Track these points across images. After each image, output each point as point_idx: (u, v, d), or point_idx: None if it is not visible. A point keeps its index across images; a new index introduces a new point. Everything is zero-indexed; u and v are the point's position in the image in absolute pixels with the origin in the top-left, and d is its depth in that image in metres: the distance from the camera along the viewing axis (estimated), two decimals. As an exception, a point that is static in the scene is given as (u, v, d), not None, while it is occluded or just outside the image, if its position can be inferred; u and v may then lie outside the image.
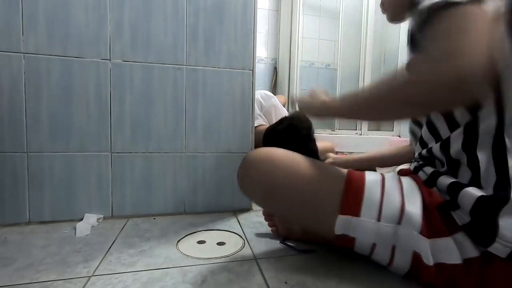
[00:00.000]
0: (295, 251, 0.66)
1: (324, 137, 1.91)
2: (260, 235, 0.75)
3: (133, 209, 0.87)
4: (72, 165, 0.81)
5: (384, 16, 0.67)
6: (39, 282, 0.53)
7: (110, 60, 0.82)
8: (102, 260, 0.61)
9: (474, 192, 0.43)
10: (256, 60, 0.95)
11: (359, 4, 2.42)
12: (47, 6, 0.77)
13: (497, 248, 0.41)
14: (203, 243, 0.70)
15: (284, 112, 1.70)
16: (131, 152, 0.86)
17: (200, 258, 0.62)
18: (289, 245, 0.68)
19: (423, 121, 0.55)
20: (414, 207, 0.48)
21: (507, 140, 0.43)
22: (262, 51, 2.70)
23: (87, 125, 0.82)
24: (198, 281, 0.54)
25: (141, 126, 0.86)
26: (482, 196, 0.43)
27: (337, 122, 2.23)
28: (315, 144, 1.05)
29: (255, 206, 0.96)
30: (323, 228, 0.54)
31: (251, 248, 0.67)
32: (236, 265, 0.60)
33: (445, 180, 0.48)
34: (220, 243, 0.70)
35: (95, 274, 0.55)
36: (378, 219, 0.49)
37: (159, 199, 0.89)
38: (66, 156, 0.81)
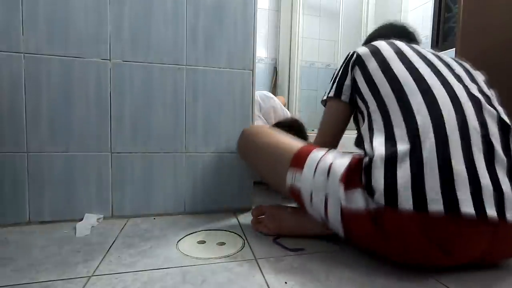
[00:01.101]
0: (285, 249, 0.67)
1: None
2: (260, 235, 0.75)
3: (133, 209, 0.87)
4: (72, 165, 0.81)
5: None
6: (39, 282, 0.53)
7: (110, 60, 0.82)
8: (102, 260, 0.61)
9: (366, 158, 0.56)
10: (256, 60, 0.95)
11: (359, 4, 2.43)
12: (47, 6, 0.77)
13: (377, 198, 0.52)
14: (203, 243, 0.70)
15: (284, 113, 1.70)
16: (131, 152, 0.86)
17: (200, 258, 0.62)
18: (280, 244, 0.69)
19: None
20: (341, 163, 0.60)
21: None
22: (262, 51, 2.70)
23: (87, 125, 0.82)
24: (198, 281, 0.54)
25: (141, 126, 0.86)
26: (366, 160, 0.56)
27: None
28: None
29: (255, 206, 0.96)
30: (281, 181, 0.69)
31: (251, 248, 0.68)
32: (236, 265, 0.60)
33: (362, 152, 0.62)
34: (220, 243, 0.70)
35: (95, 274, 0.55)
36: (314, 174, 0.62)
37: (159, 199, 0.89)
38: (66, 156, 0.81)
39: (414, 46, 0.71)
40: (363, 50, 0.72)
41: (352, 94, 0.73)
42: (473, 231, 0.50)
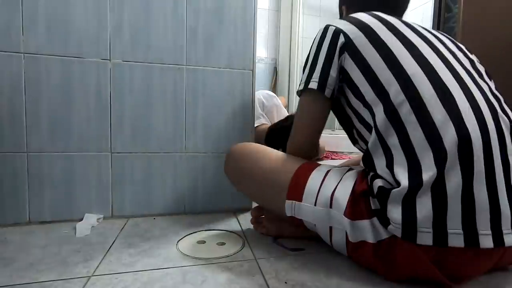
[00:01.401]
0: (286, 249, 0.67)
1: (323, 137, 1.91)
2: (260, 235, 0.75)
3: (133, 209, 0.87)
4: (72, 165, 0.81)
5: None
6: (39, 282, 0.53)
7: (110, 60, 0.82)
8: (102, 260, 0.61)
9: (378, 182, 0.52)
10: (256, 60, 0.95)
11: (359, 4, 2.42)
12: (47, 6, 0.77)
13: (392, 229, 0.49)
14: (203, 243, 0.70)
15: (286, 113, 1.70)
16: (131, 152, 0.86)
17: (200, 258, 0.62)
18: (280, 244, 0.69)
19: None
20: (343, 193, 0.55)
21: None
22: (262, 51, 2.70)
23: (87, 125, 0.82)
24: (198, 281, 0.54)
25: (141, 126, 0.86)
26: (380, 186, 0.51)
27: (336, 122, 2.23)
28: None
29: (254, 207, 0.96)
30: (279, 210, 0.64)
31: (251, 248, 0.68)
32: (236, 265, 0.60)
33: (371, 171, 0.56)
34: (220, 243, 0.70)
35: (95, 274, 0.55)
36: (315, 204, 0.58)
37: (159, 199, 0.89)
38: (66, 156, 0.81)
39: (411, 24, 0.62)
40: (351, 30, 0.59)
41: (334, 86, 0.62)
42: (486, 258, 0.50)
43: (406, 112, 0.51)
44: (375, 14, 0.62)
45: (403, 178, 0.49)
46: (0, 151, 0.77)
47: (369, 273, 0.57)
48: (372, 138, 0.55)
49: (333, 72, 0.61)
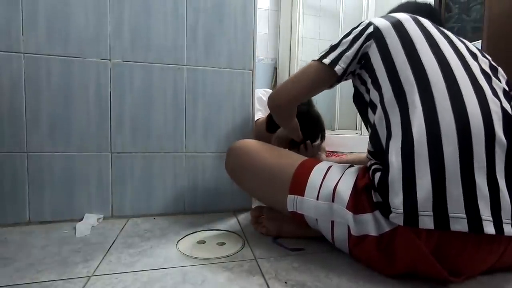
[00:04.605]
0: (286, 249, 0.67)
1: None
2: (260, 235, 0.75)
3: (133, 209, 0.87)
4: (72, 165, 0.81)
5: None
6: (39, 282, 0.53)
7: (110, 60, 0.82)
8: (102, 260, 0.61)
9: (378, 175, 0.53)
10: (256, 60, 0.95)
11: (359, 4, 2.43)
12: (47, 6, 0.77)
13: (394, 217, 0.49)
14: (203, 243, 0.70)
15: None
16: (131, 152, 0.86)
17: (200, 258, 0.62)
18: (280, 244, 0.69)
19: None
20: (345, 187, 0.57)
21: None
22: (262, 51, 2.69)
23: (87, 125, 0.82)
24: (198, 281, 0.54)
25: (141, 126, 0.86)
26: (380, 176, 0.53)
27: (337, 122, 2.23)
28: (315, 124, 1.02)
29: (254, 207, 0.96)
30: (280, 206, 0.65)
31: (251, 248, 0.68)
32: (236, 265, 0.60)
33: (372, 166, 0.57)
34: (220, 243, 0.70)
35: (95, 274, 0.55)
36: (317, 198, 0.59)
37: (159, 199, 0.89)
38: (66, 156, 0.81)
39: (440, 28, 0.64)
40: (382, 23, 0.63)
41: (349, 67, 0.64)
42: (486, 251, 0.50)
43: (412, 92, 0.54)
44: (411, 14, 0.66)
45: (397, 160, 0.50)
46: (0, 151, 0.77)
47: (369, 273, 0.57)
48: (377, 113, 0.58)
49: (350, 54, 0.64)
